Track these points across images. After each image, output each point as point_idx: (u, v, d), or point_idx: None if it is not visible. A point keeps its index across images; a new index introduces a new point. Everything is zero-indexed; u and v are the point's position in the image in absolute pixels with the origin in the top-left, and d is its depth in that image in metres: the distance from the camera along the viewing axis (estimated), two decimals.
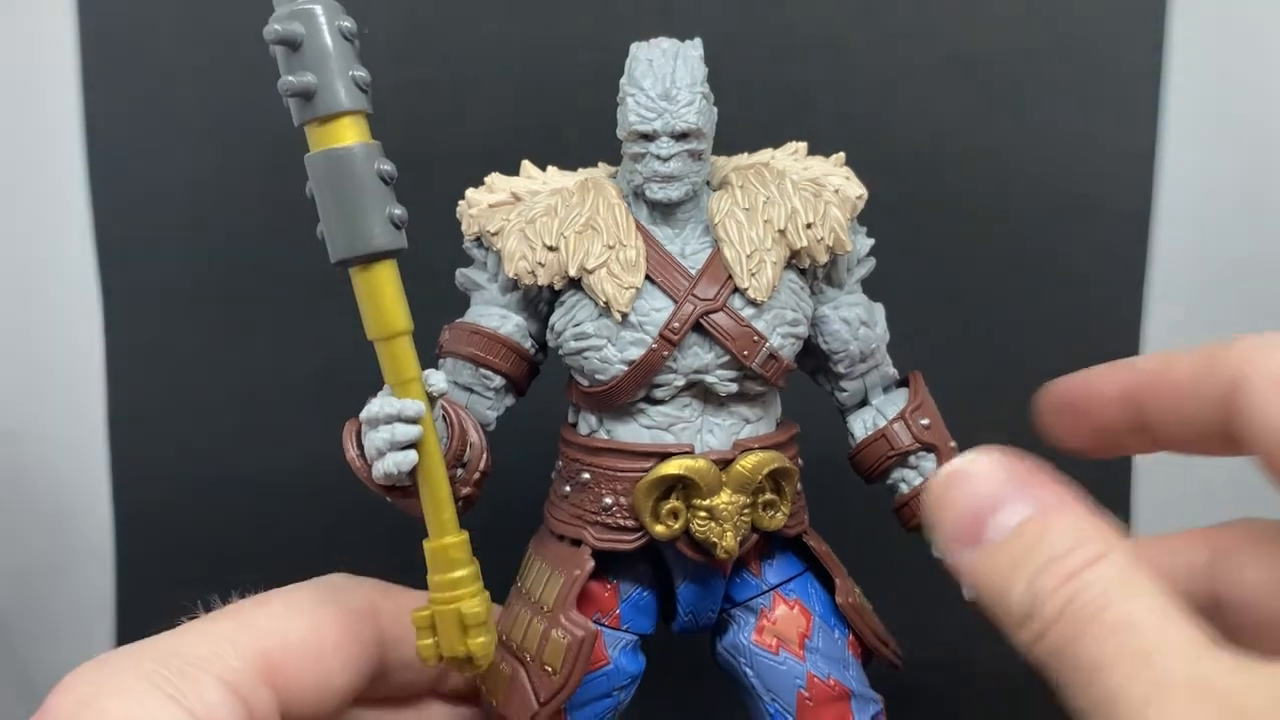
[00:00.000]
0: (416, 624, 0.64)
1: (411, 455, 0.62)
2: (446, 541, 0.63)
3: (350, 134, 0.59)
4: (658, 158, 0.70)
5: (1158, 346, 1.11)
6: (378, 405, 0.62)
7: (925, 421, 0.76)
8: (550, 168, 0.76)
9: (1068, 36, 1.07)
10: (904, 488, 0.77)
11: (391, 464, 0.62)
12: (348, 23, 0.58)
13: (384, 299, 0.60)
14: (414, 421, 0.61)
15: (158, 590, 1.12)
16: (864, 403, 0.79)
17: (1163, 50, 1.07)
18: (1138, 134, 1.09)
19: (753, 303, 0.69)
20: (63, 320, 1.13)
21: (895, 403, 0.78)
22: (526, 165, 0.76)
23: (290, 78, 0.57)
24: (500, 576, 0.73)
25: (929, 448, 0.76)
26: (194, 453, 1.13)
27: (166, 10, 1.06)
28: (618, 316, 0.68)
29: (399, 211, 0.60)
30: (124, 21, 1.08)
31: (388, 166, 0.59)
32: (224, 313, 1.09)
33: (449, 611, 0.63)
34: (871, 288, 0.79)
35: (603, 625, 0.72)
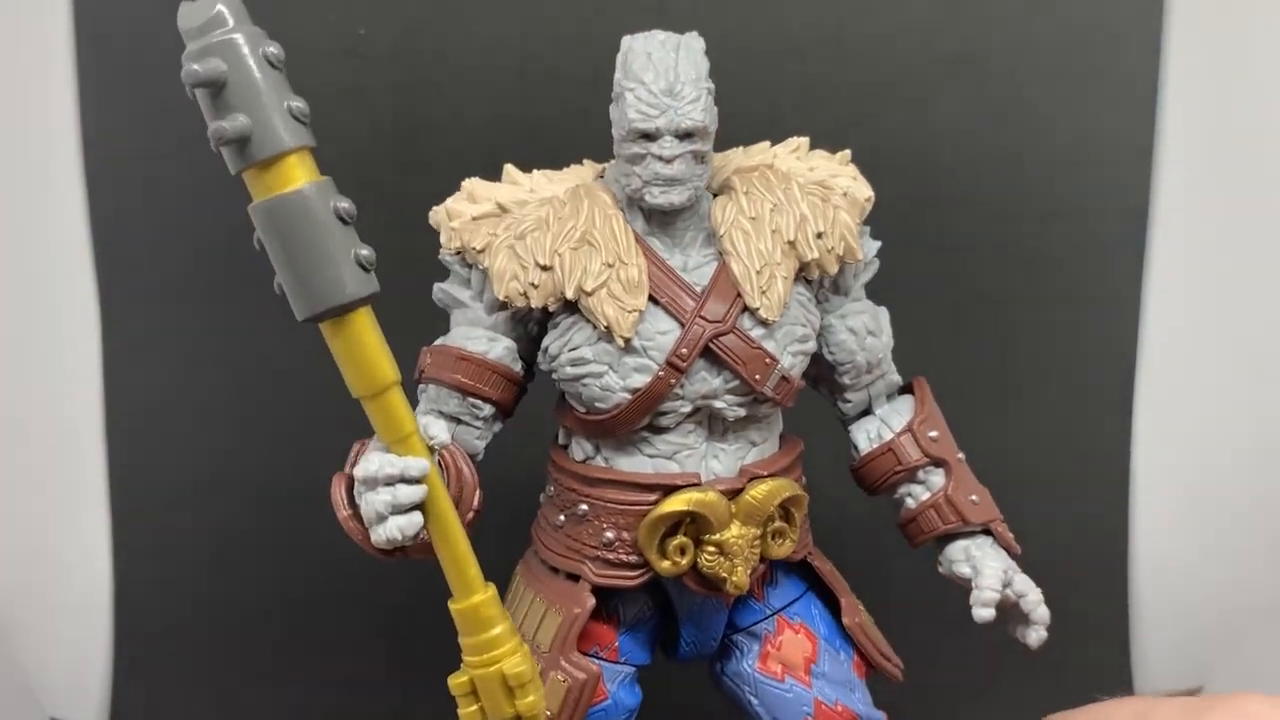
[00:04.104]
0: (456, 691, 0.60)
1: (417, 518, 0.56)
2: (475, 600, 0.58)
3: (299, 174, 0.51)
4: (659, 158, 0.63)
5: (1156, 346, 1.10)
6: (376, 464, 0.56)
7: (933, 434, 0.73)
8: (535, 172, 0.70)
9: (1067, 36, 1.04)
10: (910, 503, 0.74)
11: (395, 529, 0.56)
12: (273, 48, 0.51)
13: (366, 351, 0.54)
14: (418, 481, 0.56)
15: (156, 590, 1.10)
16: (867, 412, 0.75)
17: (1161, 50, 1.05)
18: (1136, 133, 1.07)
19: (763, 322, 0.64)
20: (60, 320, 1.08)
21: (900, 413, 0.74)
22: (510, 170, 0.70)
23: (222, 123, 0.49)
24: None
25: (937, 462, 0.73)
26: (192, 451, 1.09)
27: (162, 12, 1.01)
28: (620, 342, 0.63)
29: (365, 252, 0.53)
30: (121, 23, 1.01)
31: (345, 204, 0.52)
32: (222, 312, 1.05)
33: (490, 674, 0.58)
34: (868, 288, 0.75)
35: (601, 659, 0.68)
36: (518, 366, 0.68)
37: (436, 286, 0.70)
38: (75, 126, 1.04)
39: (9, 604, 1.09)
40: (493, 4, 1.02)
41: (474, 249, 0.65)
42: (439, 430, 0.58)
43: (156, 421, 1.09)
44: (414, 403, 0.68)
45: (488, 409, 0.68)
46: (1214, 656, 1.10)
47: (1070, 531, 1.11)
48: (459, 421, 0.67)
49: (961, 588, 0.73)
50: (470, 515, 0.63)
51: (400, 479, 0.56)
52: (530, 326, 0.68)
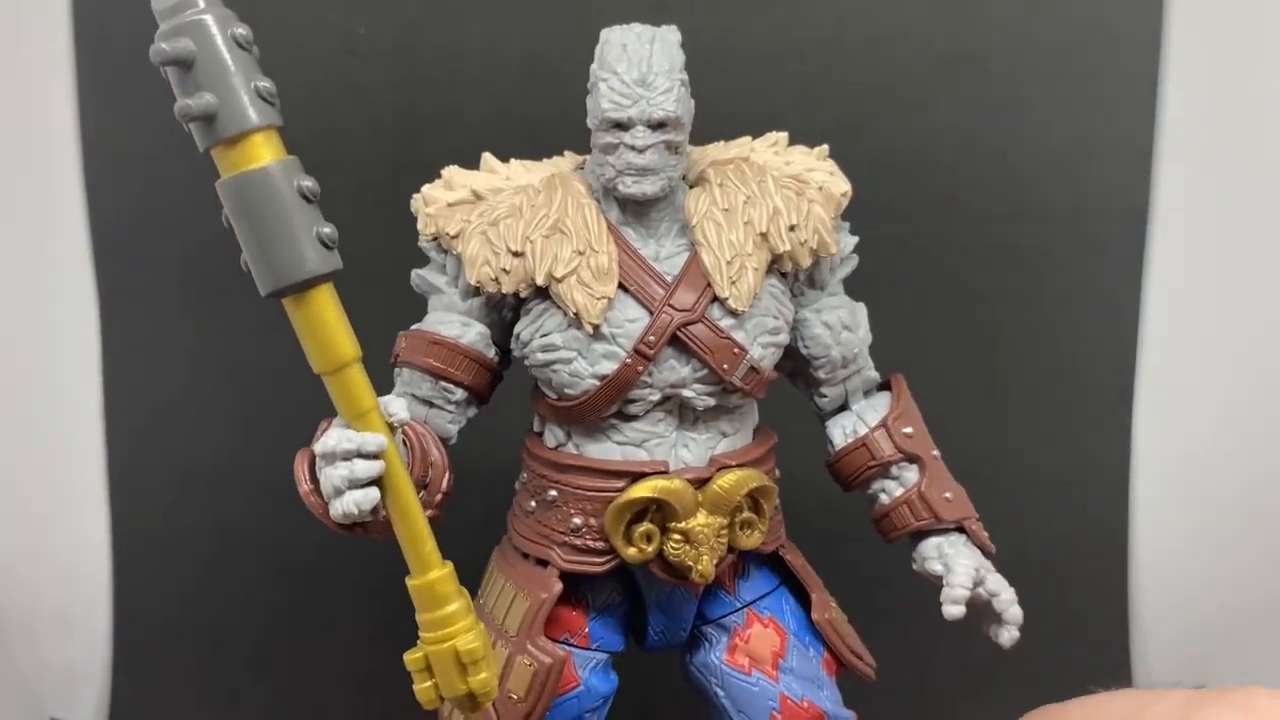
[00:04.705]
0: (411, 667, 0.60)
1: (373, 493, 0.57)
2: (431, 577, 0.58)
3: (264, 152, 0.53)
4: (632, 148, 0.64)
5: (1156, 346, 1.09)
6: (334, 439, 0.57)
7: (908, 430, 0.73)
8: (513, 161, 0.71)
9: (1067, 36, 1.04)
10: (884, 499, 0.74)
11: (351, 503, 0.57)
12: (242, 29, 0.52)
13: (326, 327, 0.55)
14: (375, 457, 0.57)
15: (154, 588, 1.11)
16: (844, 407, 0.75)
17: (1161, 50, 1.05)
18: (1136, 133, 1.06)
19: (732, 312, 0.65)
20: (58, 320, 1.09)
21: (876, 409, 0.74)
22: (487, 158, 0.70)
23: (188, 100, 0.51)
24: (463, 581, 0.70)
25: (911, 458, 0.73)
26: (191, 451, 1.10)
27: None
28: (589, 328, 0.64)
29: (328, 230, 0.54)
30: (120, 23, 1.03)
31: (309, 182, 0.54)
32: (222, 311, 1.06)
33: (444, 650, 0.58)
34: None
35: (571, 645, 0.69)
36: (491, 352, 0.69)
37: (414, 272, 0.71)
38: (75, 126, 1.06)
39: (9, 604, 1.11)
40: (493, 4, 1.02)
41: (448, 234, 0.66)
42: (399, 408, 0.58)
43: (156, 421, 1.10)
44: (389, 386, 0.69)
45: (460, 393, 0.68)
46: (1214, 656, 1.08)
47: (1070, 531, 1.11)
48: (431, 405, 0.68)
49: None
50: (439, 497, 0.64)
51: (357, 454, 0.57)
52: (504, 313, 0.69)
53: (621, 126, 0.64)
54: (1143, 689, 0.63)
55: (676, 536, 0.65)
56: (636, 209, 0.67)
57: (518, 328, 0.67)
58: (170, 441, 1.10)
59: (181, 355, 1.09)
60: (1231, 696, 0.55)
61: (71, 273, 1.08)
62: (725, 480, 0.66)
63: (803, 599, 0.73)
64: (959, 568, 0.70)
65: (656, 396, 0.66)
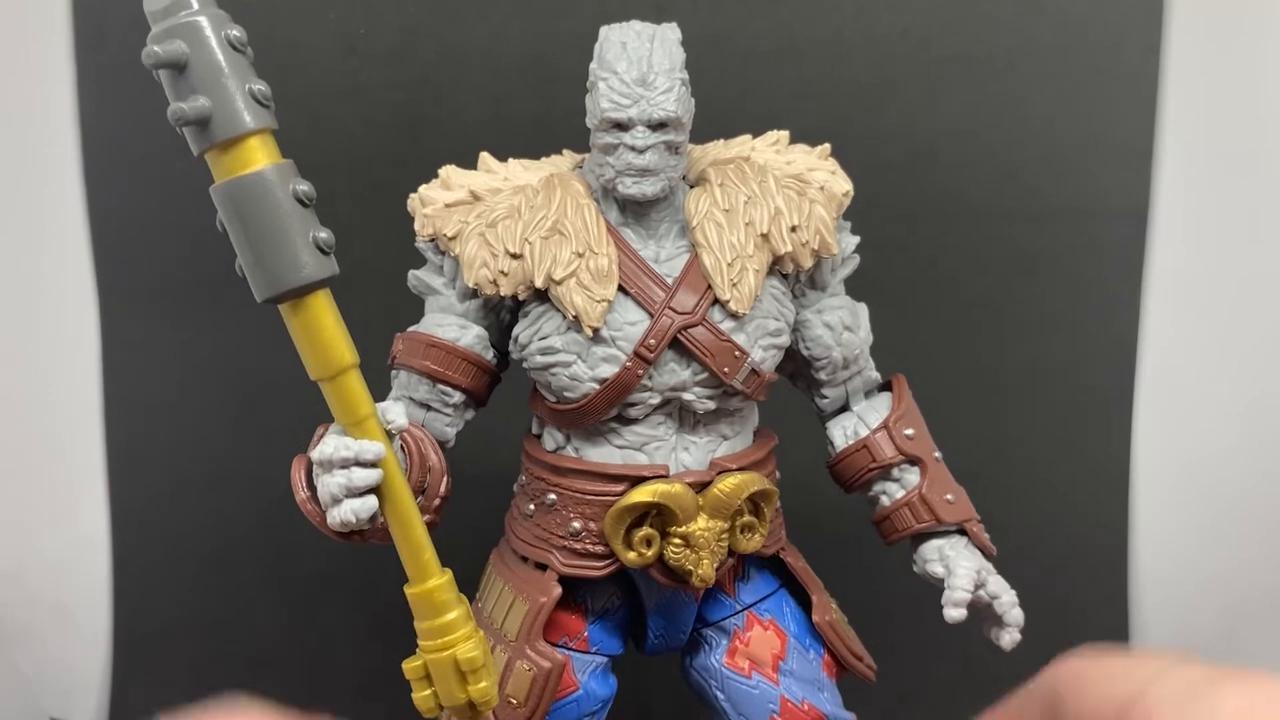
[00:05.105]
0: (410, 675, 0.59)
1: (371, 501, 0.56)
2: (430, 585, 0.58)
3: (259, 156, 0.52)
4: (632, 149, 0.63)
5: (1157, 346, 1.09)
6: (331, 447, 0.56)
7: (909, 431, 0.72)
8: (511, 160, 0.70)
9: (1067, 36, 1.04)
10: (885, 500, 0.73)
11: (349, 512, 0.56)
12: (237, 31, 0.51)
13: (323, 333, 0.54)
14: (373, 465, 0.56)
15: (154, 588, 1.11)
16: (845, 408, 0.75)
17: (1160, 52, 1.04)
18: (1136, 134, 1.06)
19: (733, 315, 0.64)
20: (59, 318, 1.09)
21: (877, 410, 0.74)
22: (485, 158, 0.70)
23: (181, 104, 0.50)
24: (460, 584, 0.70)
25: (912, 460, 0.72)
26: (190, 451, 1.10)
27: None
28: (589, 331, 0.63)
29: (324, 235, 0.53)
30: (119, 23, 1.02)
31: (304, 186, 0.53)
32: (220, 310, 1.06)
33: (443, 659, 0.58)
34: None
35: (570, 649, 0.69)
36: (489, 354, 0.68)
37: (411, 273, 0.70)
38: (75, 126, 1.05)
39: (8, 605, 1.11)
40: (493, 4, 1.02)
41: (446, 236, 0.66)
42: (397, 414, 0.58)
43: (156, 421, 1.10)
44: (386, 389, 0.69)
45: (457, 396, 0.68)
46: (1215, 656, 1.08)
47: (1070, 531, 1.11)
48: (429, 408, 0.68)
49: None
50: (438, 502, 0.63)
51: (355, 462, 0.56)
52: (502, 315, 0.69)
53: (621, 126, 0.64)
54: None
55: (677, 540, 0.64)
56: (636, 210, 0.66)
57: (516, 330, 0.67)
58: (170, 441, 1.10)
59: (181, 355, 1.09)
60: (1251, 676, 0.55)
61: (71, 273, 1.07)
62: (726, 484, 0.65)
63: (803, 601, 0.73)
64: (960, 570, 0.69)
65: (656, 400, 0.65)
